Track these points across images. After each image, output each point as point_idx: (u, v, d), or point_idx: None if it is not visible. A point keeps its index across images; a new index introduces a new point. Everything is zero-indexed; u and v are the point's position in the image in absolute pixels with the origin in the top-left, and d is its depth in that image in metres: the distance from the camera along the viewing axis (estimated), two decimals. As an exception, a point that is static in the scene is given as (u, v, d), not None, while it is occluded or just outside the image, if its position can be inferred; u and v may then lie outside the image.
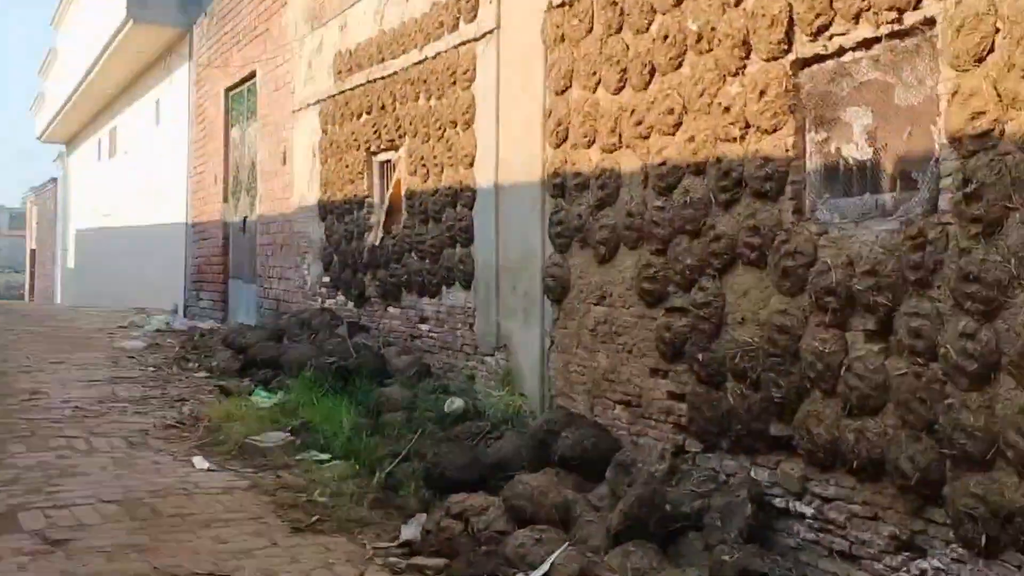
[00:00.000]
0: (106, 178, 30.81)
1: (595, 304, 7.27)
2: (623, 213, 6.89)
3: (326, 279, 12.90)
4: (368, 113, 11.53)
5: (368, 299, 11.60)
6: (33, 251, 50.05)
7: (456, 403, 8.56)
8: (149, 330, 16.55)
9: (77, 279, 35.27)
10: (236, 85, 17.68)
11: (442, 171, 9.69)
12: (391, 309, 10.99)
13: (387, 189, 11.42)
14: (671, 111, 6.40)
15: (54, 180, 43.43)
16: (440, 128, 9.72)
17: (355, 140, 11.92)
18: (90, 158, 34.22)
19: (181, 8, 20.94)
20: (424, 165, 10.05)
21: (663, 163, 6.47)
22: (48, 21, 35.04)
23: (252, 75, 16.55)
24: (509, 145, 8.52)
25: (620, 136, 6.96)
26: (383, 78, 11.09)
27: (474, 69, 9.13)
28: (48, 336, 15.93)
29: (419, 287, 10.15)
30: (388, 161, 11.43)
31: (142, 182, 25.63)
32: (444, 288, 9.70)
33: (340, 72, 12.40)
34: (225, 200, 18.28)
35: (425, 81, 10.05)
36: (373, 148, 11.52)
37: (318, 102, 13.15)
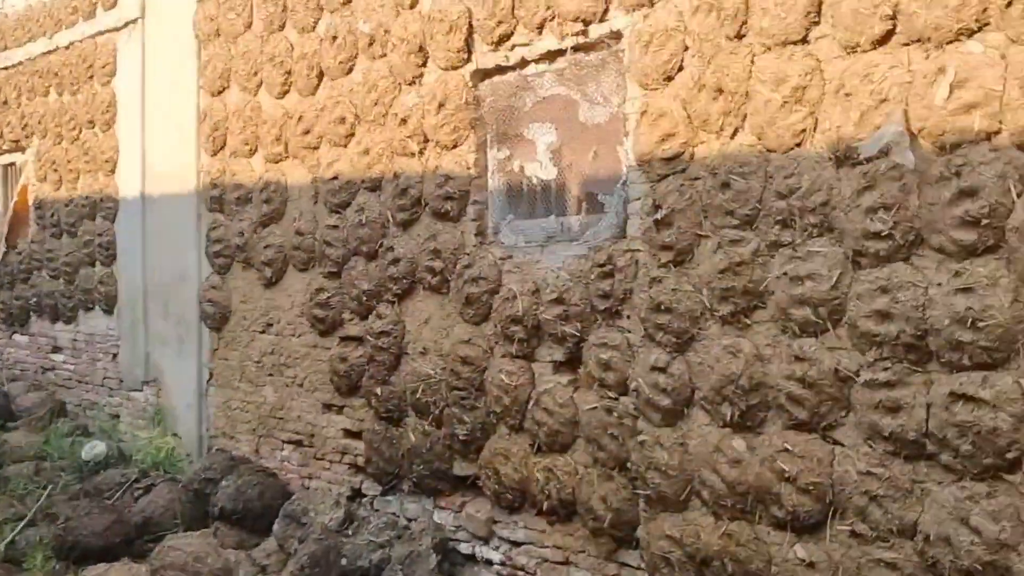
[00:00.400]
0: None
1: (261, 332, 6.49)
2: (291, 231, 6.18)
3: (-64, 301, 10.94)
4: (-13, 107, 9.88)
5: (-11, 325, 9.93)
6: None
7: (97, 448, 7.39)
8: None
9: None
10: None
11: (78, 178, 8.42)
12: (18, 336, 9.44)
13: (11, 197, 9.82)
14: (343, 120, 5.79)
15: None
16: (75, 128, 8.44)
17: (-29, 138, 10.17)
18: None
19: None
20: (56, 170, 8.69)
21: (335, 177, 5.85)
22: None
23: None
24: (158, 150, 7.49)
25: (286, 145, 6.25)
26: (5, 69, 9.52)
27: (115, 63, 7.97)
28: None
29: (52, 311, 8.76)
30: (12, 164, 9.84)
31: None
32: (82, 313, 8.42)
33: (-48, 58, 10.56)
34: None
35: (57, 74, 8.69)
36: (-6, 149, 9.88)
37: (-76, 92, 11.13)
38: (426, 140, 5.29)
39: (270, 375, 6.40)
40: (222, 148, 6.80)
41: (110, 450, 7.38)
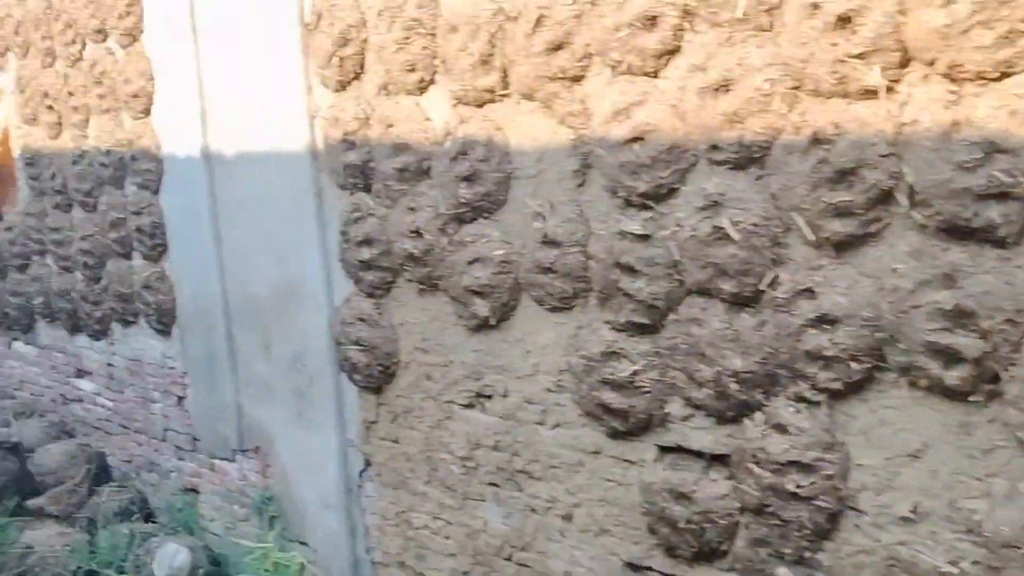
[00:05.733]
0: None
1: (466, 407, 3.68)
2: (531, 236, 3.30)
3: (-101, 281, 8.03)
4: (-70, 10, 6.73)
5: (-25, 324, 7.07)
6: None
7: (179, 558, 4.72)
8: None
9: None
10: None
11: (88, 120, 5.42)
12: (20, 347, 6.60)
13: (-14, 141, 6.83)
14: (653, 20, 2.86)
15: None
16: (74, 41, 5.39)
17: (-86, 56, 7.06)
18: None
19: None
20: (51, 107, 5.66)
21: (637, 138, 2.93)
22: None
23: None
24: (228, 79, 4.50)
25: (504, 72, 3.30)
26: (-48, -52, 6.35)
27: (133, -71, 4.88)
28: None
29: (70, 318, 5.90)
30: (-19, 94, 6.80)
31: None
32: (118, 327, 5.57)
33: None
34: None
35: (34, -47, 5.57)
36: (-52, 71, 6.79)
37: None
38: (905, 61, 2.40)
39: (494, 485, 3.63)
40: (357, 76, 3.83)
41: (196, 562, 4.71)
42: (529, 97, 3.26)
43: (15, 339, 6.62)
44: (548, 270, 3.26)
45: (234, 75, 4.44)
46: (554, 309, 3.31)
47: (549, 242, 3.24)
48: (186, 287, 4.98)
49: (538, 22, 3.16)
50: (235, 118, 4.48)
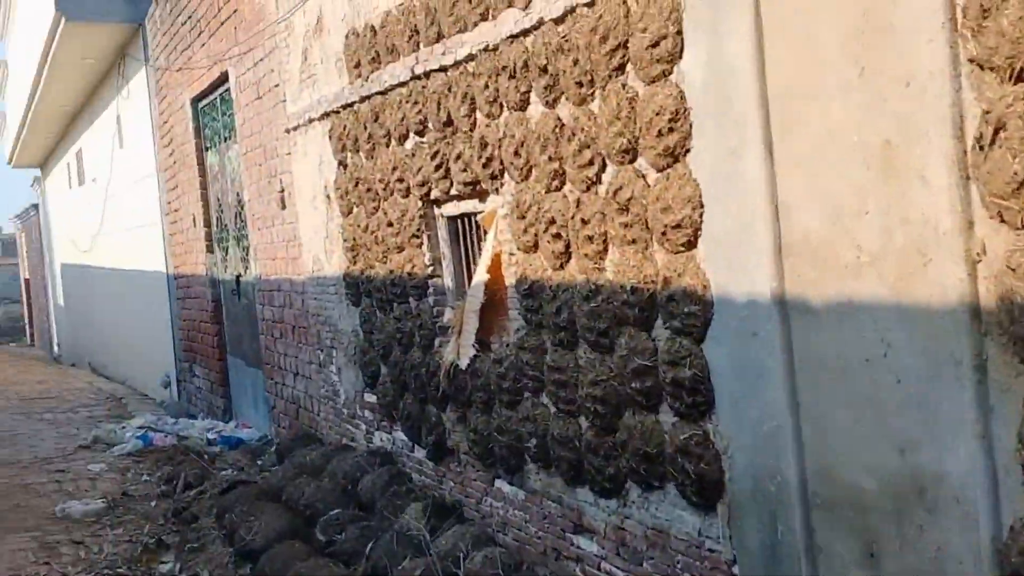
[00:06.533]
0: (78, 208, 25.93)
1: None
2: None
3: (371, 398, 8.01)
4: (420, 134, 6.54)
5: (453, 455, 6.70)
6: (27, 281, 45.27)
7: None
8: (121, 452, 11.69)
9: (68, 319, 30.61)
10: (205, 93, 12.69)
11: (605, 250, 4.73)
12: (504, 487, 6.09)
13: (471, 264, 6.50)
14: None
15: (35, 206, 38.36)
16: (590, 162, 4.74)
17: (400, 179, 6.94)
18: (62, 185, 29.32)
19: (125, -3, 15.86)
20: (558, 233, 5.07)
21: None
22: (-7, 31, 29.86)
23: (224, 78, 11.56)
24: (818, 206, 3.55)
25: None
26: (444, 69, 6.09)
27: (679, 33, 4.13)
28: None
29: (571, 467, 5.23)
30: (467, 217, 6.48)
31: (115, 217, 20.74)
32: (635, 488, 4.78)
33: (359, 65, 7.40)
34: (210, 250, 13.37)
35: (545, 69, 5.03)
36: (435, 194, 6.54)
37: (326, 115, 8.16)
38: None
39: None
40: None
41: None
42: None
43: (498, 477, 6.11)
44: None
45: (827, 202, 3.48)
46: None
47: None
48: (739, 458, 4.04)
49: None
50: (824, 256, 3.51)
